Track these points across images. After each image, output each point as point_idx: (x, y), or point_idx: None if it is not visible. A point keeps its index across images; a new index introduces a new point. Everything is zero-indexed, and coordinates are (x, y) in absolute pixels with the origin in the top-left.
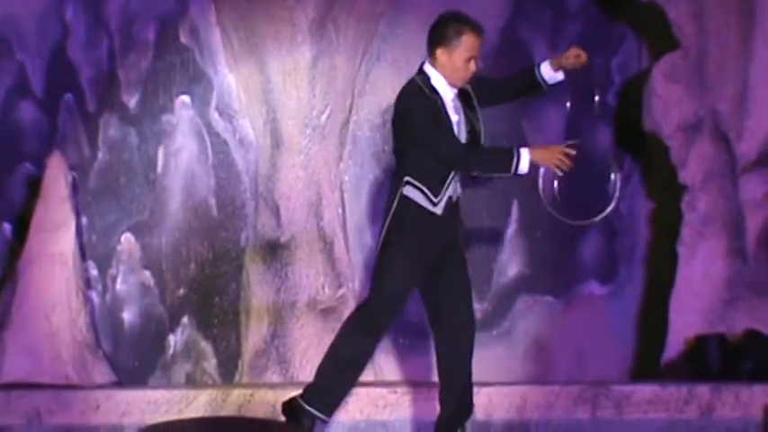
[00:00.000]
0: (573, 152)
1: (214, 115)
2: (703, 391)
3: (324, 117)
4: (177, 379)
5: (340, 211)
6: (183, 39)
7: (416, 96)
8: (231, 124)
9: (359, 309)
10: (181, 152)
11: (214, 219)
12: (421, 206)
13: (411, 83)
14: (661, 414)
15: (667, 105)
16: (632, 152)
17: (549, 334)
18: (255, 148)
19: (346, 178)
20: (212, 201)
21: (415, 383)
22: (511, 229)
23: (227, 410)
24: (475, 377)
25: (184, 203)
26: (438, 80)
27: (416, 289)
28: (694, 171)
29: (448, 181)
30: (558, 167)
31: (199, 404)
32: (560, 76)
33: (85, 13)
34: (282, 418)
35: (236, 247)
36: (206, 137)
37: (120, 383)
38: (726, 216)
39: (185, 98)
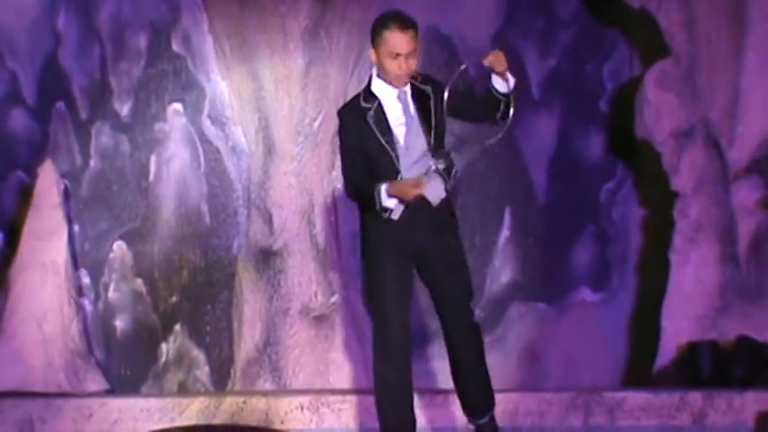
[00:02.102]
0: (421, 183)
1: (206, 123)
2: (696, 397)
3: (316, 124)
4: (170, 387)
5: (332, 218)
6: (176, 46)
7: (346, 117)
8: (223, 132)
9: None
10: (173, 160)
11: (206, 226)
12: (377, 215)
13: (352, 98)
14: (653, 421)
15: (659, 112)
16: (624, 159)
17: (541, 341)
18: (248, 155)
19: (339, 186)
20: (205, 208)
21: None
22: (503, 237)
23: (220, 418)
24: None
25: (177, 211)
26: (377, 84)
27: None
28: (686, 178)
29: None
30: (411, 198)
31: (191, 412)
32: (500, 83)
33: (77, 20)
34: (276, 426)
35: (228, 255)
36: (198, 144)
37: (112, 391)
38: (718, 223)
39: (177, 106)
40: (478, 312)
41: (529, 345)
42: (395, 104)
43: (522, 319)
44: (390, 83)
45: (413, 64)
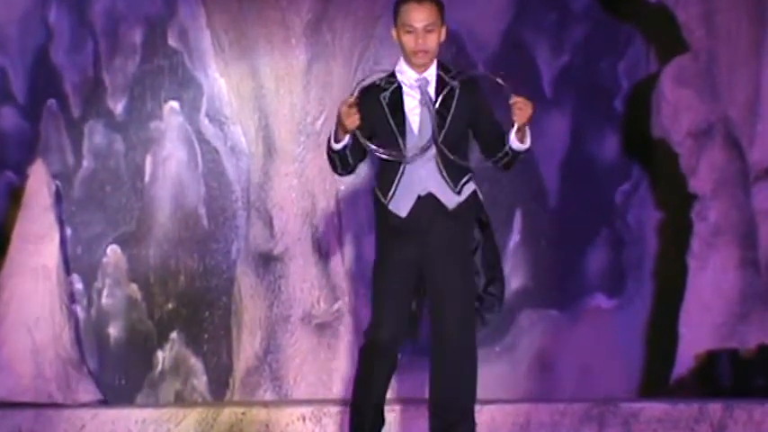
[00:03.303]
0: (351, 102)
1: (204, 122)
2: (715, 408)
3: (319, 123)
4: (166, 397)
5: (335, 221)
6: (172, 42)
7: (364, 90)
8: (222, 131)
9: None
10: (169, 160)
11: (204, 230)
12: (387, 210)
13: (380, 75)
14: None
15: (676, 111)
16: (640, 160)
17: (553, 349)
18: (247, 155)
19: (342, 187)
20: (202, 211)
21: (412, 401)
22: (513, 240)
23: (218, 430)
24: (477, 394)
25: (173, 214)
26: (402, 66)
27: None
28: (705, 179)
29: (396, 179)
30: (350, 122)
31: (188, 423)
32: (518, 144)
33: (69, 15)
34: None
35: (227, 260)
36: (196, 144)
37: (105, 402)
38: (738, 226)
39: (174, 104)
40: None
41: (540, 353)
42: (414, 90)
43: (533, 326)
44: (411, 64)
45: (431, 40)
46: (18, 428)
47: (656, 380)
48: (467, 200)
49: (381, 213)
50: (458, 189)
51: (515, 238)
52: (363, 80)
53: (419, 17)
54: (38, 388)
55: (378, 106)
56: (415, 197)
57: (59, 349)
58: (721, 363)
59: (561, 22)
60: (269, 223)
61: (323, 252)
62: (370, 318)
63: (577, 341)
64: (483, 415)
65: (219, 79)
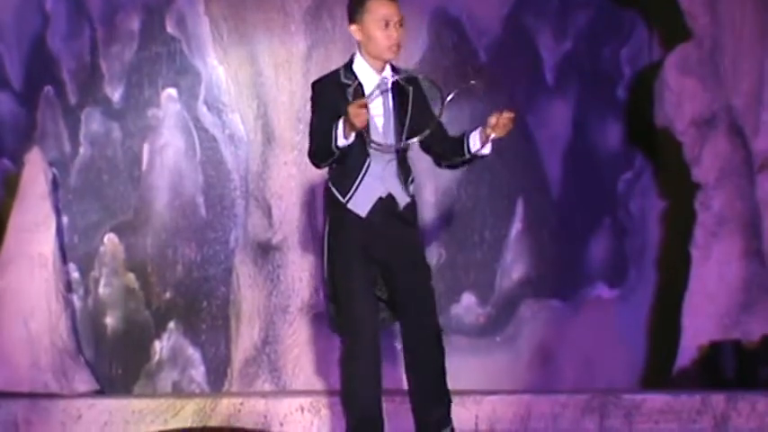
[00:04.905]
0: (362, 103)
1: (202, 109)
2: (718, 400)
3: None
4: (163, 387)
5: None
6: (170, 28)
7: (321, 88)
8: (220, 119)
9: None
10: (167, 148)
11: (202, 218)
12: (347, 209)
13: (331, 72)
14: (673, 424)
15: (680, 99)
16: (643, 148)
17: (555, 340)
18: (246, 144)
19: None
20: (200, 200)
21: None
22: (515, 230)
23: (216, 421)
24: (478, 385)
25: (171, 202)
26: (360, 63)
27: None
28: (708, 168)
29: (358, 178)
30: (359, 121)
31: (186, 414)
32: (486, 150)
33: (66, 1)
34: (274, 429)
35: (225, 249)
36: (194, 132)
37: (102, 392)
38: (741, 216)
39: (172, 91)
40: (489, 309)
41: (542, 344)
42: (377, 90)
43: (534, 317)
44: (379, 57)
45: (402, 34)
46: (14, 418)
47: (659, 371)
48: (412, 199)
49: (336, 211)
50: (409, 190)
51: (517, 227)
52: (380, 84)
53: (395, 12)
54: (34, 378)
55: (344, 103)
56: (376, 197)
57: (56, 339)
58: (724, 354)
59: (564, 8)
60: (268, 212)
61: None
62: (344, 321)
63: (579, 332)
64: (484, 406)
65: (218, 66)
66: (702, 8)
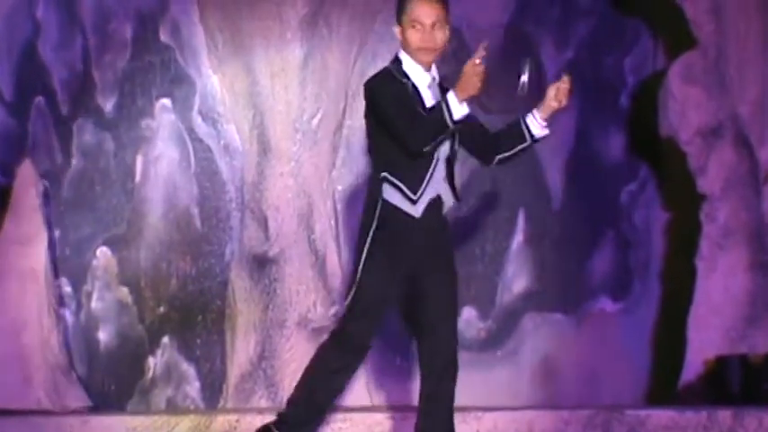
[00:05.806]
0: (481, 63)
1: (197, 120)
2: (724, 415)
3: (315, 121)
4: (157, 404)
5: (333, 222)
6: (164, 37)
7: (382, 81)
8: (215, 129)
9: (333, 331)
10: (161, 159)
11: (197, 231)
12: (399, 208)
13: (381, 70)
14: None
15: (684, 108)
16: (647, 159)
17: (557, 354)
18: (241, 154)
19: (339, 187)
20: (195, 212)
21: (414, 408)
22: (516, 241)
23: None
24: (478, 401)
25: (165, 215)
26: (409, 64)
27: (394, 306)
28: (714, 179)
29: (428, 175)
30: (480, 86)
31: (181, 431)
32: (546, 131)
33: (58, 9)
34: None
35: (220, 262)
36: (188, 143)
37: (95, 409)
38: (748, 227)
39: (166, 101)
40: (490, 323)
41: (544, 358)
42: (426, 91)
43: (536, 330)
44: (419, 61)
45: (440, 38)
46: None
47: (664, 386)
48: (454, 203)
49: (387, 213)
50: (456, 193)
51: (518, 239)
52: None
53: (428, 14)
54: (25, 394)
55: (414, 95)
56: (429, 198)
57: (47, 354)
58: (731, 368)
59: (566, 16)
60: (264, 224)
61: (319, 254)
62: (353, 319)
63: (582, 346)
64: (485, 422)
65: (213, 76)
66: (707, 17)
